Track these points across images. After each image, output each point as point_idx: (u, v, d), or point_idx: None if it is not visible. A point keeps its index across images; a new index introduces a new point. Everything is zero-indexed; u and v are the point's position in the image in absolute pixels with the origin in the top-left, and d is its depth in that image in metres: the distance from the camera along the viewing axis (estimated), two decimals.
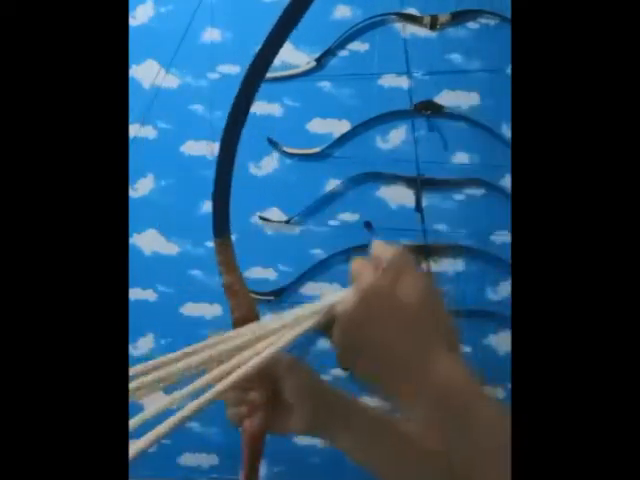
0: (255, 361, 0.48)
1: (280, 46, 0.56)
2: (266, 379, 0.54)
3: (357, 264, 0.47)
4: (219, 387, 0.48)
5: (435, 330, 0.45)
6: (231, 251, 0.58)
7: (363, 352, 0.45)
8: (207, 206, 1.48)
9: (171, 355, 0.52)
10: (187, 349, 0.52)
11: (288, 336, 0.49)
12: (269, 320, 0.52)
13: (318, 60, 1.43)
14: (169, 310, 1.51)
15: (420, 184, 1.44)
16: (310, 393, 0.54)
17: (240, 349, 0.50)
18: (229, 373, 0.48)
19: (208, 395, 0.48)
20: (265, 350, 0.48)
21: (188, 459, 1.57)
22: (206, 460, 1.51)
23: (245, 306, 0.58)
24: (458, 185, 1.47)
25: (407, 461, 0.53)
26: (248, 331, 0.51)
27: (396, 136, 1.46)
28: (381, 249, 0.47)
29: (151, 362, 0.51)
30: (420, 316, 0.45)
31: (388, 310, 0.44)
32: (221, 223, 0.59)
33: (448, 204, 1.48)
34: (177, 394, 0.50)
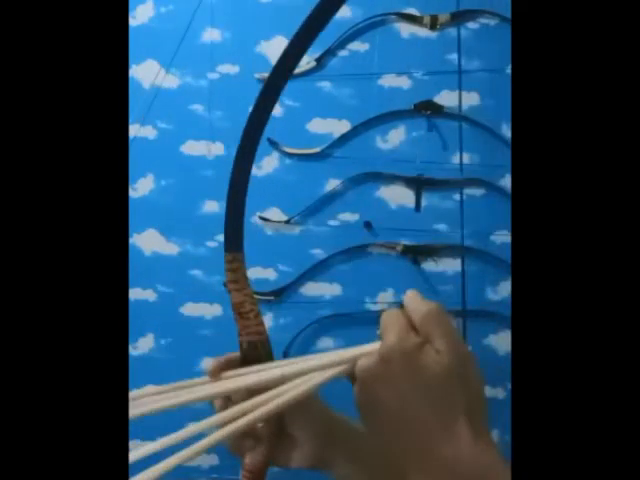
0: (276, 402, 0.46)
1: (305, 49, 0.54)
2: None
3: (387, 317, 0.44)
4: (238, 424, 0.46)
5: (459, 404, 0.41)
6: (243, 267, 0.54)
7: (377, 413, 0.43)
8: (207, 206, 1.49)
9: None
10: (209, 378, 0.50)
11: (313, 381, 0.47)
12: (296, 360, 0.49)
13: (318, 60, 1.43)
14: (169, 310, 1.50)
15: (420, 184, 1.44)
16: (318, 430, 0.52)
17: (265, 387, 0.48)
18: (248, 410, 0.47)
19: (224, 431, 0.47)
20: (287, 393, 0.47)
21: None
22: (206, 460, 1.51)
23: (254, 328, 0.55)
24: (458, 185, 1.47)
25: None
26: (276, 369, 0.49)
27: (396, 136, 1.46)
28: (415, 304, 0.44)
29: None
30: (443, 387, 0.41)
31: (409, 374, 0.41)
32: (234, 236, 0.55)
33: (448, 204, 1.48)
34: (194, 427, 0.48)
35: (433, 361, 0.41)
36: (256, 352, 0.54)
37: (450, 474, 0.39)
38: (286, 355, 1.47)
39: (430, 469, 0.40)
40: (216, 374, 0.52)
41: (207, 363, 0.53)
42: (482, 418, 0.41)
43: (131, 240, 1.50)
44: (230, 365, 0.53)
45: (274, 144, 1.46)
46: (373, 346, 0.44)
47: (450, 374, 0.41)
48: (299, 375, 0.47)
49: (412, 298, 0.44)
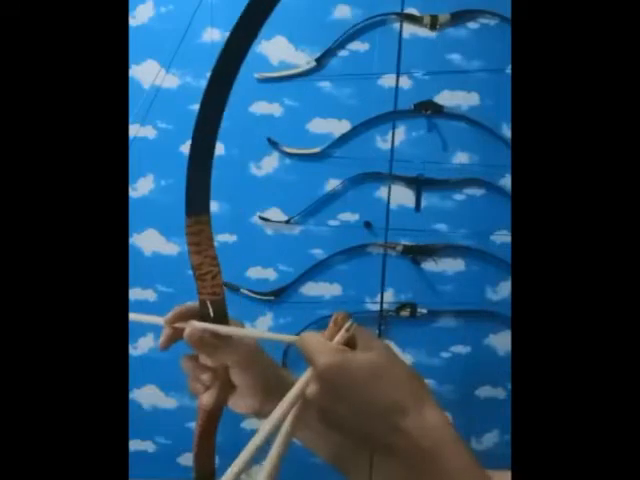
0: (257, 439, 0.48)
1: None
2: (222, 367, 0.57)
3: (307, 341, 0.47)
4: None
5: (396, 387, 0.45)
6: (208, 232, 0.54)
7: (341, 423, 0.46)
8: None
9: None
10: None
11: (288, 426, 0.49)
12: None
13: (318, 60, 1.43)
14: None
15: (420, 184, 1.44)
16: (259, 385, 0.57)
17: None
18: None
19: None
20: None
21: (188, 459, 1.57)
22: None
23: (214, 288, 0.56)
24: (458, 185, 1.47)
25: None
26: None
27: (396, 136, 1.46)
28: (326, 333, 0.49)
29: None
30: (376, 379, 0.45)
31: (347, 385, 0.44)
32: (198, 198, 0.53)
33: (448, 204, 1.48)
34: None
35: (365, 360, 0.45)
36: (208, 311, 0.56)
37: (409, 441, 0.43)
38: (286, 355, 1.47)
39: (393, 444, 0.44)
40: (172, 321, 0.58)
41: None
42: (425, 392, 0.45)
43: (131, 240, 1.50)
44: (187, 316, 0.57)
45: (274, 144, 1.46)
46: (305, 379, 0.47)
47: (384, 364, 0.45)
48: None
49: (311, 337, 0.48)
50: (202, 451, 0.60)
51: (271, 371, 0.59)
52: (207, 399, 0.58)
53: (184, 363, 0.60)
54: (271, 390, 0.57)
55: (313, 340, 0.47)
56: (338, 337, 0.48)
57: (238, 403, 0.58)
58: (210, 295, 0.56)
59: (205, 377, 0.58)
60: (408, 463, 0.44)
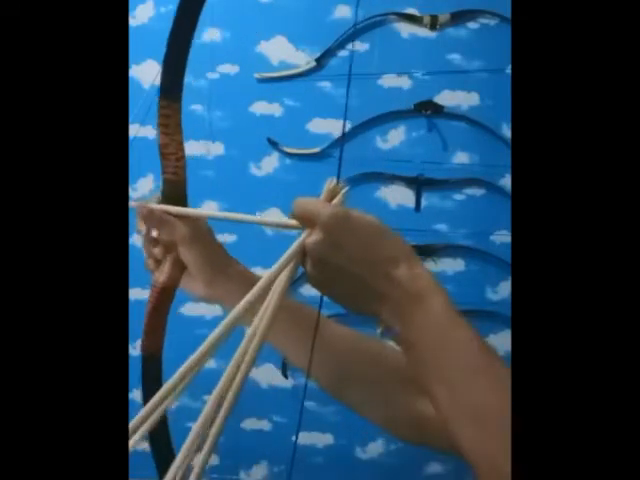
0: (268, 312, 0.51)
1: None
2: (171, 244, 0.60)
3: (306, 203, 0.50)
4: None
5: (391, 244, 0.49)
6: (177, 118, 0.60)
7: (334, 276, 0.49)
8: (207, 206, 1.48)
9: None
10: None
11: (282, 284, 0.52)
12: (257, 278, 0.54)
13: (318, 60, 1.43)
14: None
15: (420, 184, 1.44)
16: (207, 265, 0.61)
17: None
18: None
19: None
20: (269, 300, 0.51)
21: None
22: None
23: (175, 169, 0.61)
24: (458, 185, 1.47)
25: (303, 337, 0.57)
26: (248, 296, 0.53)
27: (396, 136, 1.46)
28: (321, 199, 0.52)
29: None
30: (376, 235, 0.49)
31: (349, 235, 0.48)
32: (172, 85, 0.60)
33: (448, 204, 1.48)
34: None
35: (360, 220, 0.49)
36: (170, 189, 0.62)
37: (402, 289, 0.47)
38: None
39: (387, 295, 0.47)
40: (141, 208, 0.61)
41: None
42: (413, 252, 0.50)
43: (131, 240, 1.50)
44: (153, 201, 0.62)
45: (274, 144, 1.45)
46: (307, 233, 0.50)
47: (375, 224, 0.50)
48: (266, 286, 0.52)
49: (304, 200, 0.51)
50: (151, 329, 0.64)
51: (218, 252, 0.63)
52: (159, 276, 0.61)
53: (144, 238, 0.62)
54: (216, 272, 0.61)
55: (313, 200, 0.51)
56: (336, 200, 0.51)
57: (189, 284, 0.62)
58: (171, 174, 0.61)
59: (157, 251, 0.61)
60: (396, 310, 0.47)
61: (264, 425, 1.56)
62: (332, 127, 1.46)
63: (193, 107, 1.48)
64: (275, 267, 0.53)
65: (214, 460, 1.53)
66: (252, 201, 1.49)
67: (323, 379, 0.63)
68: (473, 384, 0.45)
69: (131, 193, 1.48)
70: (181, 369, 0.50)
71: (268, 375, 1.48)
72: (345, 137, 1.45)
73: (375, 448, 1.58)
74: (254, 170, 1.48)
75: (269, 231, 1.49)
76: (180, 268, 0.62)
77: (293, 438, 1.56)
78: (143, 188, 1.49)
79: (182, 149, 0.61)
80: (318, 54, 1.43)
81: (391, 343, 0.52)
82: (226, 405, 0.50)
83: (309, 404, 1.55)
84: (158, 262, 0.62)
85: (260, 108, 1.46)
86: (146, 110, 1.47)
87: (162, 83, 0.60)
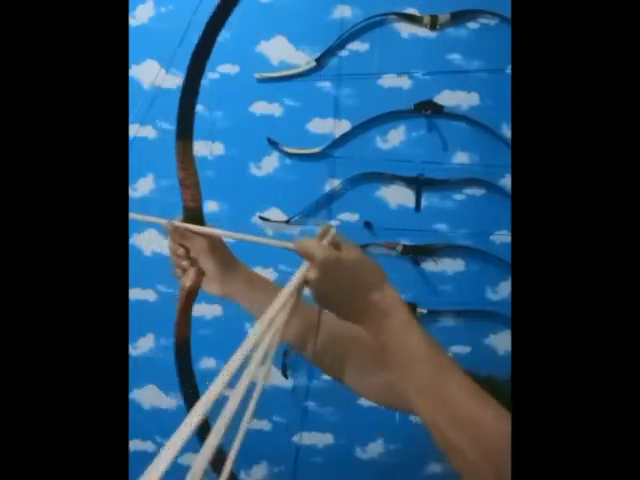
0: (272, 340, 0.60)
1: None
2: (194, 257, 0.79)
3: (306, 245, 0.64)
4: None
5: (370, 273, 0.65)
6: (190, 152, 0.75)
7: (328, 298, 0.66)
8: (207, 206, 1.48)
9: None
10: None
11: (291, 304, 0.63)
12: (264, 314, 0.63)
13: (318, 60, 1.43)
14: (169, 310, 1.50)
15: (420, 184, 1.45)
16: (219, 270, 0.79)
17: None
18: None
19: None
20: (274, 328, 0.61)
21: (188, 459, 1.57)
22: None
23: (193, 197, 0.76)
24: (458, 185, 1.47)
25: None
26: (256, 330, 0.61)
27: (396, 136, 1.46)
28: (316, 239, 0.66)
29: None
30: (358, 268, 0.65)
31: (341, 271, 0.64)
32: (186, 126, 0.74)
33: (448, 204, 1.48)
34: None
35: (349, 257, 0.65)
36: (189, 213, 0.76)
37: (376, 311, 0.64)
38: (286, 355, 1.47)
39: (368, 309, 0.64)
40: (171, 230, 0.77)
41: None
42: (385, 277, 0.66)
43: (131, 240, 1.50)
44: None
45: (274, 144, 1.45)
46: (304, 270, 0.64)
47: (361, 260, 0.66)
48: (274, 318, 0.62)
49: (305, 241, 0.65)
50: (181, 321, 0.84)
51: (229, 259, 0.81)
52: (186, 281, 0.80)
53: (171, 252, 0.80)
54: (228, 275, 0.80)
55: (311, 242, 0.65)
56: (325, 241, 0.66)
57: (208, 285, 0.81)
58: (190, 202, 0.75)
59: (185, 263, 0.80)
60: (371, 321, 0.64)
61: (264, 425, 1.56)
62: (332, 127, 1.46)
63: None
64: (286, 291, 0.64)
65: None
66: (252, 201, 1.49)
67: (317, 356, 0.80)
68: (427, 370, 0.61)
69: (131, 193, 1.48)
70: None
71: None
72: (345, 137, 1.45)
73: (375, 448, 1.58)
74: (254, 170, 1.48)
75: (269, 231, 1.49)
76: (201, 274, 0.79)
77: (293, 438, 1.57)
78: (143, 188, 1.50)
79: (197, 179, 0.75)
80: (318, 54, 1.43)
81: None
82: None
83: (309, 404, 1.55)
84: (184, 271, 0.80)
85: (260, 108, 1.46)
86: (146, 110, 1.47)
87: (178, 128, 0.73)
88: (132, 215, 0.66)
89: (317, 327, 0.73)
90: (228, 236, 0.78)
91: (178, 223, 0.77)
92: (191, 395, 0.83)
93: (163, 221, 0.77)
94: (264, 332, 0.59)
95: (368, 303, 0.64)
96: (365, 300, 0.64)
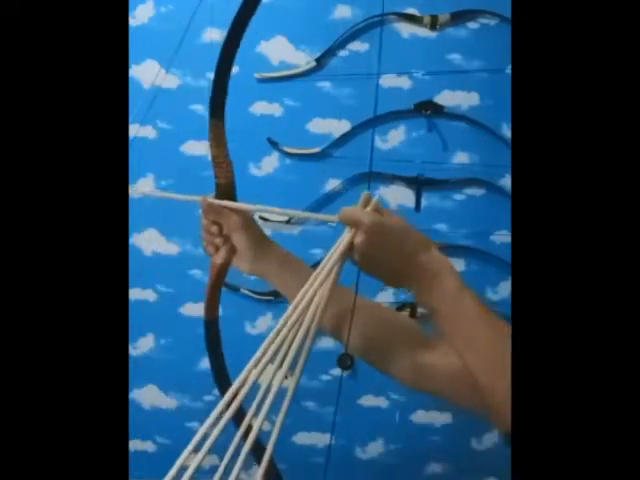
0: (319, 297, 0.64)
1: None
2: (227, 235, 0.79)
3: (351, 212, 0.66)
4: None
5: (414, 238, 0.66)
6: (222, 130, 0.79)
7: (375, 263, 0.65)
8: None
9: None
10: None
11: (333, 275, 0.65)
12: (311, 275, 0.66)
13: (318, 60, 1.43)
14: (169, 310, 1.50)
15: (420, 184, 1.45)
16: (252, 247, 0.79)
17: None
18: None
19: None
20: (321, 288, 0.64)
21: (188, 459, 1.57)
22: (206, 460, 1.51)
23: (226, 174, 0.80)
24: (458, 185, 1.47)
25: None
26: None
27: (396, 136, 1.46)
28: (359, 207, 0.67)
29: None
30: (402, 233, 0.66)
31: (387, 235, 0.64)
32: (219, 104, 0.79)
33: (448, 204, 1.48)
34: None
35: (396, 220, 0.66)
36: (223, 190, 0.79)
37: (425, 272, 0.64)
38: (286, 354, 1.47)
39: (412, 274, 0.64)
40: (205, 206, 0.79)
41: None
42: (429, 243, 0.67)
43: (131, 240, 1.50)
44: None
45: (274, 144, 1.45)
46: (352, 234, 0.65)
47: (407, 225, 0.67)
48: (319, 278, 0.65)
49: (351, 208, 0.66)
50: (211, 297, 0.82)
51: (261, 237, 0.82)
52: (218, 258, 0.79)
53: (204, 229, 0.80)
54: (259, 252, 0.79)
55: (355, 209, 0.66)
56: (370, 207, 0.66)
57: (238, 262, 0.80)
58: (223, 179, 0.79)
59: (217, 240, 0.79)
60: (420, 285, 0.64)
61: (264, 425, 1.56)
62: (332, 127, 1.46)
63: (193, 107, 1.48)
64: (331, 258, 0.66)
65: (214, 460, 1.53)
66: (252, 201, 1.48)
67: (353, 340, 0.77)
68: (481, 335, 0.60)
69: (131, 193, 1.48)
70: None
71: (268, 375, 1.48)
72: (345, 137, 1.45)
73: (375, 448, 1.58)
74: (254, 170, 1.48)
75: (269, 231, 1.49)
76: (232, 251, 0.79)
77: (293, 438, 1.56)
78: (143, 188, 1.50)
79: (229, 156, 0.79)
80: (318, 54, 1.43)
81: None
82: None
83: (309, 404, 1.55)
84: (216, 248, 0.79)
85: (260, 108, 1.46)
86: (146, 110, 1.47)
87: (211, 105, 0.77)
88: (157, 192, 0.68)
89: (352, 310, 0.73)
90: (266, 211, 0.81)
91: (212, 200, 0.78)
92: (222, 378, 0.82)
93: (197, 198, 0.78)
94: (308, 301, 0.62)
95: (416, 265, 0.64)
96: (413, 262, 0.64)
